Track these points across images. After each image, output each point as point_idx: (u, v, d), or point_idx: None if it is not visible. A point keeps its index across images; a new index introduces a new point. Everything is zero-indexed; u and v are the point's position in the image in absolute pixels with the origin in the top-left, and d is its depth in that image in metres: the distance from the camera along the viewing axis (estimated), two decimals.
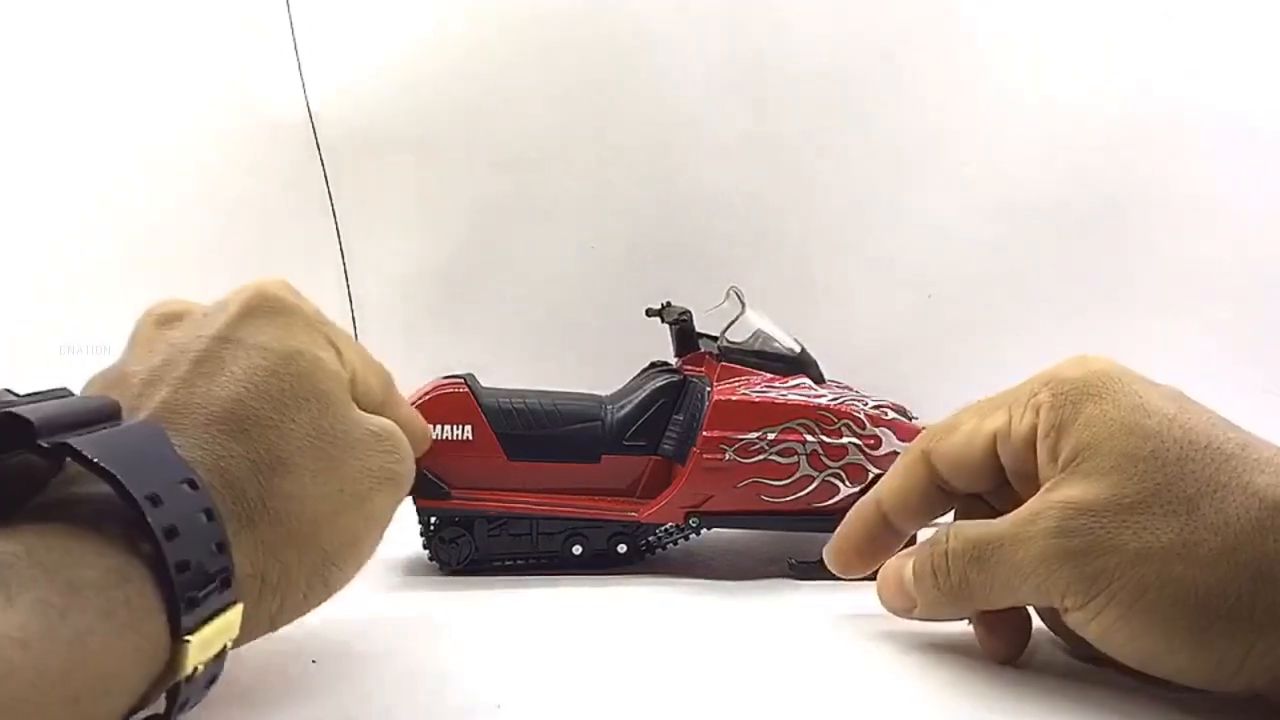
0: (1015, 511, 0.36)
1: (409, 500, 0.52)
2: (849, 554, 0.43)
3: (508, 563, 0.53)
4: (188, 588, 0.27)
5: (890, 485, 0.42)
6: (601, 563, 0.52)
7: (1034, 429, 0.37)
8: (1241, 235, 0.83)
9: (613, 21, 0.82)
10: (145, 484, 0.27)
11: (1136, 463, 0.34)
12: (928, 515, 0.42)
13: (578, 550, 0.52)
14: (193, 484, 0.28)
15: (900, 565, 0.40)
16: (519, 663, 0.40)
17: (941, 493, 0.41)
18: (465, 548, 0.52)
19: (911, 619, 0.41)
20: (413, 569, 0.53)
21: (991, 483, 0.40)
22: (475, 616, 0.46)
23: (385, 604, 0.47)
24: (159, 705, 0.28)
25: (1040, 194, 0.83)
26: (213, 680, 0.29)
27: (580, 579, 0.51)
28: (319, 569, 0.33)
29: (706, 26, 0.82)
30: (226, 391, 0.32)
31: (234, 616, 0.29)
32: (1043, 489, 0.36)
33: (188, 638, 0.27)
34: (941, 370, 0.81)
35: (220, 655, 0.29)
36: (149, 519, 0.26)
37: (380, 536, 0.37)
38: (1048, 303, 0.83)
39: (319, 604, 0.35)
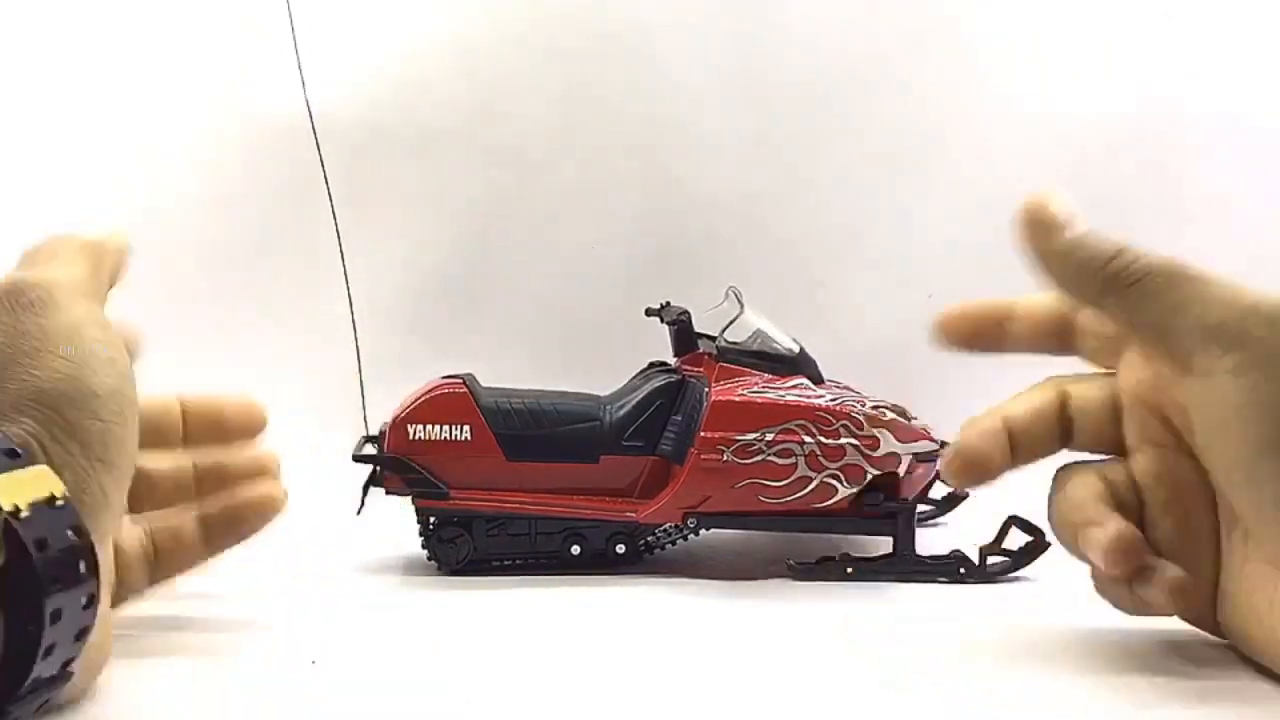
0: None
1: (408, 500, 0.52)
2: (970, 455, 0.40)
3: (506, 563, 0.53)
4: None
5: (1019, 405, 0.40)
6: (600, 563, 0.52)
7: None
8: (1242, 235, 0.83)
9: (613, 22, 0.82)
10: None
11: None
12: (1047, 444, 0.40)
13: (576, 550, 0.52)
14: None
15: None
16: (519, 663, 0.40)
17: (1061, 436, 0.40)
18: (464, 548, 0.52)
19: (1033, 244, 0.38)
20: (411, 569, 0.53)
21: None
22: (474, 616, 0.46)
23: (384, 604, 0.47)
24: None
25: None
26: (63, 523, 0.29)
27: (579, 579, 0.51)
28: (74, 390, 0.33)
29: (707, 28, 0.82)
30: None
31: (40, 472, 0.30)
32: None
33: None
34: (941, 370, 0.81)
35: (52, 503, 0.29)
36: None
37: (100, 330, 0.35)
38: None
39: (119, 415, 0.34)
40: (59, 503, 0.30)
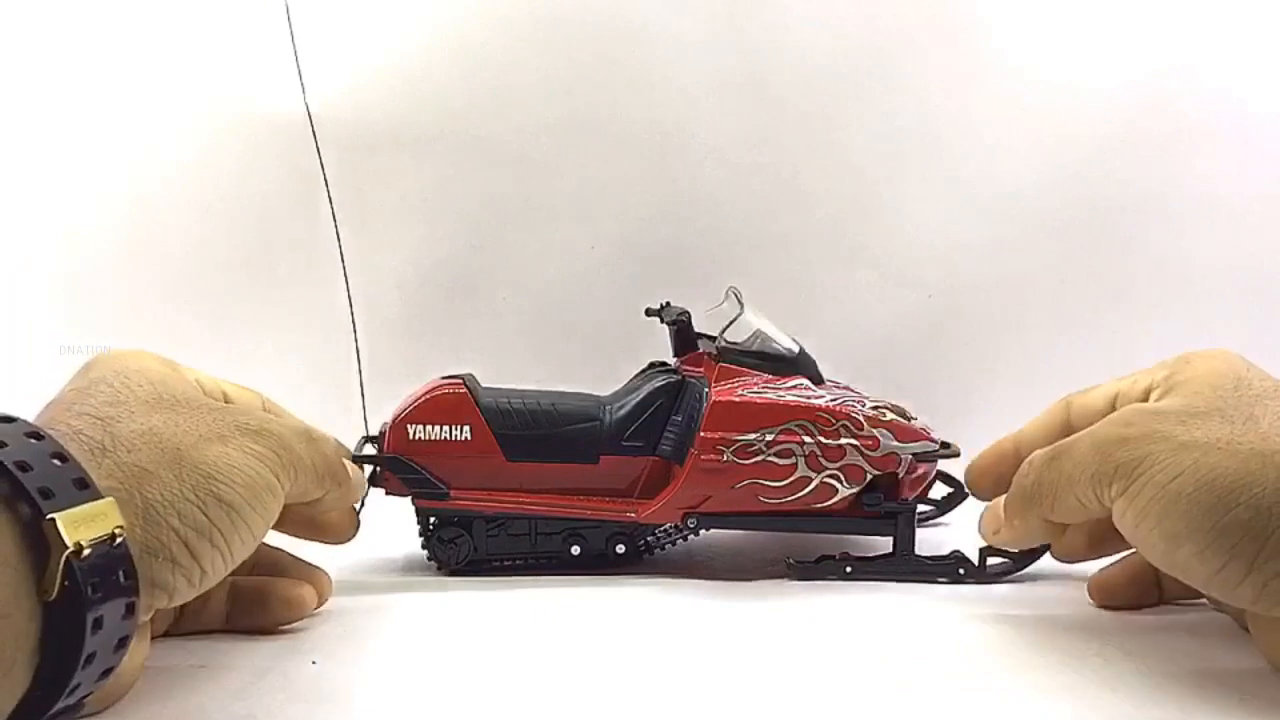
0: None
1: (408, 500, 0.52)
2: (976, 471, 0.48)
3: (506, 563, 0.53)
4: (37, 481, 0.29)
5: (1030, 424, 0.47)
6: (600, 563, 0.52)
7: (1151, 387, 0.41)
8: (1242, 235, 0.83)
9: (612, 21, 0.82)
10: None
11: (1218, 388, 0.38)
12: None
13: (576, 550, 0.52)
14: (38, 435, 0.31)
15: (1000, 499, 0.45)
16: (519, 662, 0.40)
17: None
18: (464, 548, 0.52)
19: (999, 544, 0.46)
20: (412, 569, 0.53)
21: None
22: (475, 616, 0.46)
23: (384, 604, 0.47)
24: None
25: (1040, 194, 0.83)
26: (117, 565, 0.30)
27: (579, 579, 0.51)
28: (205, 484, 0.34)
29: (706, 26, 0.82)
30: (73, 398, 0.36)
31: (106, 506, 0.30)
32: None
33: (51, 516, 0.29)
34: (941, 370, 0.81)
35: (111, 542, 0.30)
36: None
37: (270, 474, 0.37)
38: (1048, 303, 0.82)
39: (228, 527, 0.35)
40: (118, 540, 0.30)
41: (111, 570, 0.30)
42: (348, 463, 0.44)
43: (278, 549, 0.46)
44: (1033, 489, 0.41)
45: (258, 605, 0.43)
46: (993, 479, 0.47)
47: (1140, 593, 0.45)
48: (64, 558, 0.28)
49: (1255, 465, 0.34)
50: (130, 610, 0.31)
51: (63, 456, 0.30)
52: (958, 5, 0.82)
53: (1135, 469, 0.36)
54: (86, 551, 0.29)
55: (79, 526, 0.29)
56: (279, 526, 0.44)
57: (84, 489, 0.30)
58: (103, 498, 0.31)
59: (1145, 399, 0.41)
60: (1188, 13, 0.82)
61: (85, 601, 0.29)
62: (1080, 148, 0.83)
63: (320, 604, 0.45)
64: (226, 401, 0.42)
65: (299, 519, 0.45)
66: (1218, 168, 0.83)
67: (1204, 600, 0.44)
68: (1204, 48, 0.82)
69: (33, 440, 0.31)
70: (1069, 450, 0.39)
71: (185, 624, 0.42)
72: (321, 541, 0.47)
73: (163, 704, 0.36)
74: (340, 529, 0.47)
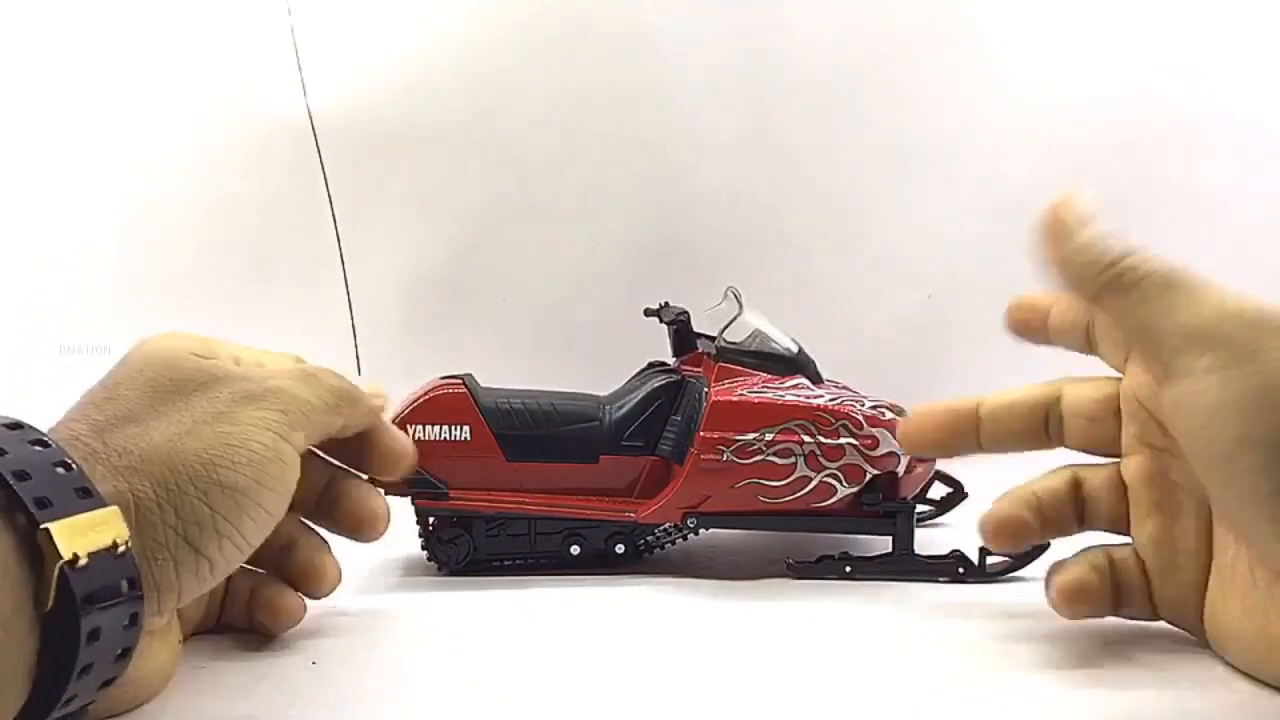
0: None
1: (407, 500, 0.52)
2: (923, 417, 0.43)
3: (506, 563, 0.53)
4: (35, 491, 0.29)
5: (1004, 398, 0.43)
6: (600, 563, 0.52)
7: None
8: (1242, 235, 0.83)
9: (613, 21, 0.82)
10: None
11: None
12: (1022, 436, 0.42)
13: (576, 550, 0.52)
14: (44, 443, 0.31)
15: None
16: (519, 663, 0.40)
17: (1044, 431, 0.41)
18: (464, 548, 0.52)
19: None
20: (411, 569, 0.53)
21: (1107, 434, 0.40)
22: (474, 616, 0.46)
23: (384, 604, 0.47)
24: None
25: (1040, 194, 0.83)
26: (118, 575, 0.30)
27: (578, 579, 0.51)
28: (204, 472, 0.33)
29: (707, 26, 0.82)
30: (87, 399, 0.36)
31: (107, 515, 0.30)
32: None
33: (45, 525, 0.28)
34: (941, 370, 0.81)
35: (113, 550, 0.30)
36: None
37: (278, 439, 0.36)
38: None
39: (234, 511, 0.34)
40: (120, 549, 0.30)
41: (111, 580, 0.29)
42: (353, 382, 0.42)
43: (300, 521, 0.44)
44: (1127, 285, 0.36)
45: (257, 609, 0.42)
46: (936, 434, 0.43)
47: (1109, 594, 0.41)
48: (58, 568, 0.28)
49: None
50: (134, 620, 0.30)
51: (66, 464, 0.30)
52: (958, 7, 0.83)
53: (1249, 353, 0.33)
54: (83, 561, 0.28)
55: (76, 536, 0.29)
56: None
57: (86, 497, 0.30)
58: (106, 506, 0.30)
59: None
60: (1186, 17, 0.82)
61: (79, 612, 0.28)
62: (1079, 149, 0.83)
63: (326, 590, 0.43)
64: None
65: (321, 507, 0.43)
66: (1216, 170, 0.83)
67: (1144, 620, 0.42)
68: (1202, 51, 0.82)
69: (36, 448, 0.30)
70: (1190, 288, 0.35)
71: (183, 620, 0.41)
72: (353, 537, 0.44)
73: (163, 704, 0.36)
74: (371, 521, 0.44)
